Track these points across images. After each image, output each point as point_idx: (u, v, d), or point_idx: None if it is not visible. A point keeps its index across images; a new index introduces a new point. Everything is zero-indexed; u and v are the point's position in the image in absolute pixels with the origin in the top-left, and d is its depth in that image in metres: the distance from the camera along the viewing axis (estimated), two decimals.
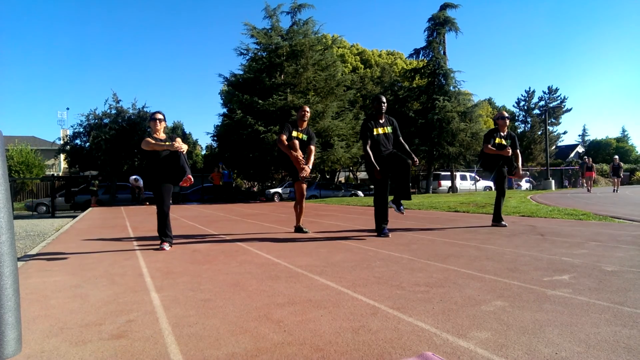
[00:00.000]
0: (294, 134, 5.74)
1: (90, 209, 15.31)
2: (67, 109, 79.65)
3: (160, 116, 4.85)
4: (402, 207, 5.33)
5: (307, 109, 5.92)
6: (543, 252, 3.93)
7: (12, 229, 1.84)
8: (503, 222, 6.11)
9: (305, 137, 5.86)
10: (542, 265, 3.31)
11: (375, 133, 5.27)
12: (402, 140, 5.46)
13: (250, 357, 1.70)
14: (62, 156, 27.10)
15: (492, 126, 6.61)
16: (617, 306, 2.23)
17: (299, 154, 5.63)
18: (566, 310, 2.19)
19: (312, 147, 5.92)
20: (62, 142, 25.64)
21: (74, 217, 12.48)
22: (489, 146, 6.05)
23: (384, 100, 5.38)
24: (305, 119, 5.86)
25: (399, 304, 2.37)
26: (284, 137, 5.64)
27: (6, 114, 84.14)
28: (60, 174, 36.12)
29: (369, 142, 5.24)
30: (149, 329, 2.05)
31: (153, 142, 4.65)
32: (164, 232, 4.75)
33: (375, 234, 5.38)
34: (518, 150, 6.27)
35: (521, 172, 6.24)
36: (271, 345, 1.81)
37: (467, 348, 1.73)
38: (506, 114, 6.36)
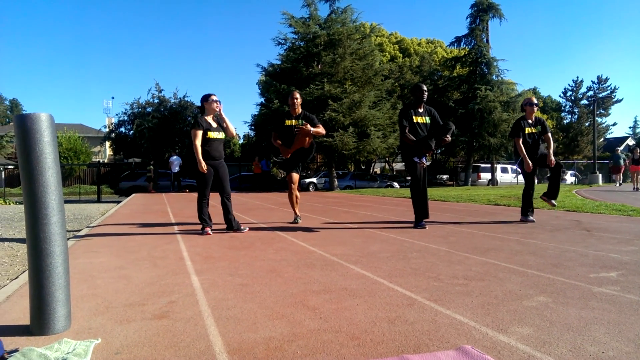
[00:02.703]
0: (288, 122, 5.56)
1: (133, 195, 15.89)
2: (113, 98, 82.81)
3: (216, 97, 4.93)
4: (422, 223, 5.23)
5: (297, 95, 5.64)
6: (589, 247, 3.76)
7: (63, 211, 1.93)
8: (530, 218, 5.83)
9: (301, 122, 5.55)
10: (588, 262, 3.17)
11: (414, 120, 5.18)
12: (441, 125, 5.31)
13: (286, 341, 1.72)
14: (108, 143, 28.20)
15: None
16: None
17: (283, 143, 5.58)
18: (614, 308, 2.09)
19: (318, 125, 5.62)
20: (107, 129, 26.71)
21: (118, 202, 13.01)
22: (520, 142, 5.76)
23: (425, 89, 5.26)
24: (295, 106, 5.58)
25: (436, 296, 2.33)
26: (273, 139, 5.67)
27: (56, 102, 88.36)
28: (106, 160, 37.65)
29: (407, 127, 5.16)
30: (189, 311, 2.11)
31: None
32: (205, 218, 4.92)
33: (411, 225, 5.32)
34: (550, 134, 5.95)
35: (553, 158, 5.78)
36: (307, 331, 1.82)
37: (507, 343, 1.68)
38: (535, 100, 6.01)
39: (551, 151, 5.79)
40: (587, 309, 2.09)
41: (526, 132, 5.78)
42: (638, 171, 16.74)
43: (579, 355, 1.57)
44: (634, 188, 16.29)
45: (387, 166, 37.68)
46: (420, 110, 5.27)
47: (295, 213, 6.01)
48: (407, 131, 5.15)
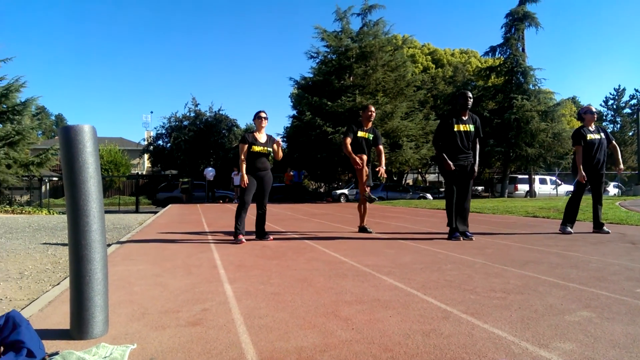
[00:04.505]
0: (360, 134, 5.70)
1: (170, 205, 16.31)
2: (151, 112, 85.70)
3: (264, 115, 5.21)
4: (469, 234, 5.11)
5: (373, 108, 5.87)
6: (634, 261, 3.57)
7: (103, 219, 2.00)
8: (569, 229, 5.68)
9: (371, 136, 5.81)
10: (634, 276, 3.00)
11: (455, 129, 5.06)
12: (478, 142, 5.21)
13: (318, 352, 1.70)
14: (146, 156, 29.16)
15: (576, 125, 6.09)
16: None
17: (364, 167, 5.64)
18: None
19: (381, 147, 5.89)
20: (146, 142, 27.65)
21: (155, 212, 13.37)
22: (581, 150, 5.61)
23: (470, 95, 5.13)
24: (371, 119, 5.82)
25: (472, 309, 2.26)
26: (348, 141, 5.65)
27: (97, 116, 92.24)
28: (144, 172, 38.88)
29: (441, 140, 5.09)
30: (222, 318, 2.13)
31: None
32: (241, 226, 5.04)
33: (444, 237, 5.20)
34: (614, 142, 5.78)
35: (621, 164, 5.74)
36: (339, 342, 1.80)
37: (548, 359, 1.60)
38: (594, 108, 5.85)
39: (619, 157, 5.76)
40: (634, 325, 1.97)
41: (588, 138, 5.62)
42: None
43: None
44: None
45: (419, 177, 37.19)
46: (465, 118, 5.14)
47: (364, 223, 6.10)
48: (440, 144, 5.10)
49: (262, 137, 5.16)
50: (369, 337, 1.85)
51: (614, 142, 5.77)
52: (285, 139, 25.75)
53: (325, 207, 14.57)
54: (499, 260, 3.70)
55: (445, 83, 29.69)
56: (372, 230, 6.02)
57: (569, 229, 5.65)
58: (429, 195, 24.59)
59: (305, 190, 26.85)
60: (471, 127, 5.12)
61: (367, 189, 5.75)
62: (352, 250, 4.30)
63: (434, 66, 35.50)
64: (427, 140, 21.68)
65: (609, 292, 2.56)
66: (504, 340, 1.81)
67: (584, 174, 5.55)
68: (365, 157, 5.75)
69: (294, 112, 26.13)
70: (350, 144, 5.66)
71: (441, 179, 36.14)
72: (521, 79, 25.06)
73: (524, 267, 3.39)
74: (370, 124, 5.87)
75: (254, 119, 5.28)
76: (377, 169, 5.80)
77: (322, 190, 31.98)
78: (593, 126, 5.74)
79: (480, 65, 33.56)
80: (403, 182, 31.80)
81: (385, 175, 5.78)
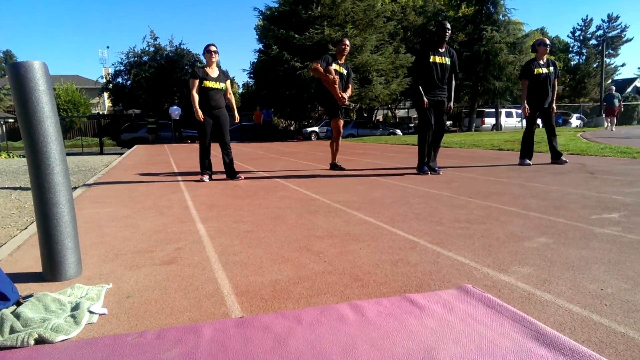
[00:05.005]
0: (334, 66, 5.57)
1: (135, 146, 15.87)
2: (107, 47, 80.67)
3: (214, 48, 4.97)
4: (437, 169, 5.21)
5: (347, 42, 5.71)
6: (592, 190, 3.77)
7: (65, 161, 1.92)
8: (527, 161, 5.96)
9: (344, 71, 5.70)
10: (590, 203, 3.19)
11: (431, 60, 4.98)
12: (454, 78, 5.17)
13: (292, 284, 1.77)
14: (106, 95, 27.82)
15: None
16: None
17: (336, 79, 5.48)
18: (614, 247, 2.12)
19: (350, 85, 5.80)
20: (104, 80, 26.23)
21: (121, 154, 13.02)
22: (526, 84, 5.79)
23: (449, 27, 4.98)
24: (345, 52, 5.68)
25: (438, 239, 2.36)
26: (319, 65, 5.48)
27: (49, 52, 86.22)
28: (105, 112, 37.31)
29: (418, 72, 5.04)
30: (197, 256, 2.16)
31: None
32: (205, 166, 5.04)
33: (413, 172, 5.32)
34: (556, 80, 5.91)
35: (554, 105, 5.91)
36: (312, 274, 1.87)
37: (507, 282, 1.72)
38: (547, 41, 5.89)
39: (554, 98, 5.87)
40: (588, 249, 2.12)
41: (536, 72, 5.73)
42: None
43: (578, 292, 1.61)
44: None
45: (389, 113, 37.23)
46: (442, 50, 5.04)
47: (335, 160, 6.10)
48: (419, 73, 5.03)
49: (214, 72, 4.97)
50: (340, 269, 1.93)
51: (556, 80, 5.89)
52: (251, 76, 24.98)
53: (296, 145, 14.53)
54: (464, 192, 3.84)
55: (416, 13, 28.91)
56: (344, 167, 6.08)
57: (528, 161, 5.92)
58: (398, 131, 24.79)
59: (275, 129, 26.55)
60: (447, 61, 5.05)
61: (345, 98, 5.59)
62: (324, 188, 4.36)
63: None
64: (396, 75, 21.47)
65: (566, 220, 2.72)
66: (467, 266, 1.92)
67: (527, 106, 5.74)
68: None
69: (260, 45, 25.14)
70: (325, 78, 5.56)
71: (411, 114, 36.37)
72: (491, 9, 24.69)
73: (487, 198, 3.53)
74: (343, 59, 5.74)
75: (203, 53, 5.06)
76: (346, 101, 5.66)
77: (292, 128, 31.70)
78: (545, 59, 5.81)
79: None
80: (373, 118, 31.80)
81: (347, 103, 5.67)
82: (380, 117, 35.93)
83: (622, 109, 16.36)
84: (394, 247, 2.23)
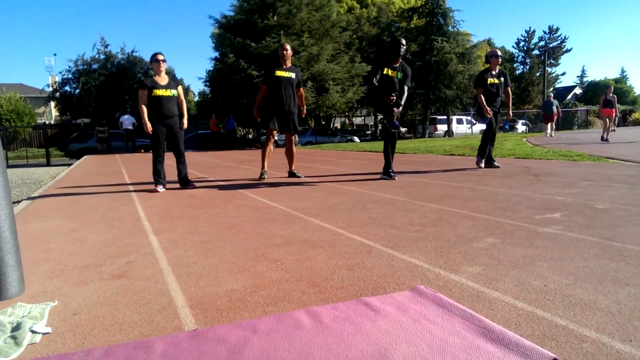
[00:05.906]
0: (278, 73, 5.52)
1: (85, 157, 15.21)
2: (55, 54, 77.21)
3: (162, 57, 4.86)
4: (392, 174, 5.34)
5: (288, 46, 5.63)
6: (536, 191, 3.98)
7: (5, 174, 1.82)
8: (481, 164, 6.31)
9: (292, 75, 5.62)
10: (534, 204, 3.36)
11: (385, 72, 5.10)
12: (405, 90, 5.26)
13: (249, 293, 1.75)
14: (53, 104, 26.59)
15: None
16: (606, 241, 2.29)
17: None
18: (556, 245, 2.24)
19: (302, 90, 5.80)
20: (51, 89, 25.06)
21: (69, 165, 12.44)
22: (481, 92, 6.07)
23: (404, 42, 5.13)
24: (287, 57, 5.58)
25: (393, 242, 2.41)
26: (262, 90, 5.65)
27: None
28: (52, 122, 35.57)
29: (376, 79, 5.12)
30: (149, 269, 2.09)
31: (145, 111, 4.82)
32: (158, 176, 4.94)
33: (370, 178, 5.41)
34: (509, 88, 6.26)
35: (510, 113, 6.37)
36: (269, 282, 1.86)
37: (458, 282, 1.78)
38: (499, 52, 6.27)
39: (509, 104, 6.26)
40: (532, 247, 2.23)
41: (489, 82, 6.05)
42: (610, 116, 12.84)
43: (523, 289, 1.69)
44: (603, 137, 12.55)
45: (347, 121, 37.70)
46: (396, 65, 5.17)
47: (292, 168, 6.10)
48: (375, 81, 5.11)
49: (163, 80, 4.88)
50: (297, 276, 1.93)
51: (509, 88, 6.28)
52: (208, 84, 24.61)
53: (254, 153, 14.41)
54: (418, 196, 3.95)
55: (370, 24, 29.58)
56: (301, 174, 6.10)
57: (481, 164, 6.30)
58: (356, 138, 25.14)
59: (234, 137, 26.24)
60: (400, 75, 5.19)
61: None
62: (282, 195, 4.35)
63: (358, 6, 35.00)
64: (352, 84, 21.80)
65: (512, 220, 2.85)
66: (420, 268, 1.97)
67: (489, 109, 6.02)
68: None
69: (217, 54, 24.84)
70: (268, 87, 5.59)
71: (367, 121, 36.95)
72: (441, 21, 25.66)
73: (440, 201, 3.65)
74: (289, 63, 5.65)
75: (150, 63, 4.97)
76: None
77: (250, 136, 31.44)
78: (497, 69, 6.15)
79: (403, 6, 33.68)
80: (331, 125, 32.10)
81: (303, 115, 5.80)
82: (338, 125, 36.30)
83: (561, 114, 17.04)
84: (350, 252, 2.25)
